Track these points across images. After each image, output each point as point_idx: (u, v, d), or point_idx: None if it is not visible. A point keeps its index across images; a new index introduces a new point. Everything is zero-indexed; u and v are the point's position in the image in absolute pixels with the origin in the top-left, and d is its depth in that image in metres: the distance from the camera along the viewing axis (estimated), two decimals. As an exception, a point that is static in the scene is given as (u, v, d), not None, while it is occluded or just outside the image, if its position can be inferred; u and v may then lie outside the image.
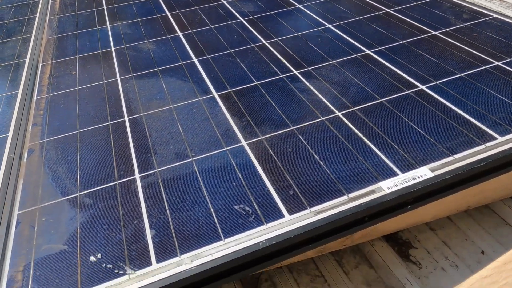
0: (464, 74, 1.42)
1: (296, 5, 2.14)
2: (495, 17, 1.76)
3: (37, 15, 2.38)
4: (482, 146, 1.11)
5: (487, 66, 1.44)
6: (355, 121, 1.26)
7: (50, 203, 1.10)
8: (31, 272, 0.92)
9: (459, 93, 1.32)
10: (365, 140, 1.18)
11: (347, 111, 1.31)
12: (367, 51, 1.63)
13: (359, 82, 1.45)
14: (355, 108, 1.32)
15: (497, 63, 1.45)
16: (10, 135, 1.38)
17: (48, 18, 2.33)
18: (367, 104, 1.33)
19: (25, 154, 1.29)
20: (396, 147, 1.14)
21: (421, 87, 1.38)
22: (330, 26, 1.88)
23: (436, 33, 1.70)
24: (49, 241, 0.99)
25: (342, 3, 2.09)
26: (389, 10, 1.95)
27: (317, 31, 1.84)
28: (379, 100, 1.34)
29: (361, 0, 2.10)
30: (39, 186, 1.16)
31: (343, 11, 2.00)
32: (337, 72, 1.52)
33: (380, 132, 1.20)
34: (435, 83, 1.39)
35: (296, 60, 1.63)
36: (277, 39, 1.82)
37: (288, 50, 1.72)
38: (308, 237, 0.95)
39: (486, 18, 1.76)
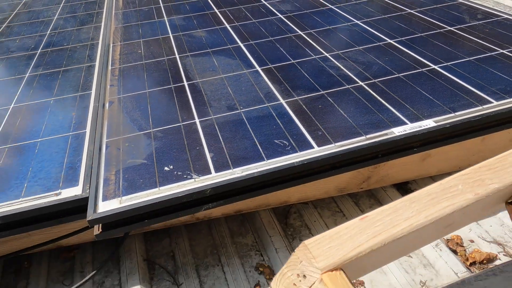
0: (472, 58, 1.66)
1: (328, 6, 2.44)
2: (506, 17, 2.00)
3: (104, 10, 2.78)
4: (479, 107, 1.35)
5: (493, 53, 1.68)
6: (375, 88, 1.53)
7: (130, 135, 1.41)
8: (121, 175, 1.22)
9: (466, 71, 1.57)
10: (382, 101, 1.44)
11: (369, 82, 1.58)
12: (389, 41, 1.90)
13: (380, 62, 1.71)
14: (376, 80, 1.59)
15: (501, 51, 1.69)
16: (93, 91, 1.72)
17: (114, 12, 2.72)
18: (386, 78, 1.59)
19: (107, 104, 1.61)
20: (408, 106, 1.40)
21: (433, 66, 1.63)
22: (358, 22, 2.16)
23: (451, 28, 1.95)
24: (132, 158, 1.29)
25: (370, 5, 2.38)
26: (412, 11, 2.22)
27: (346, 26, 2.13)
28: (397, 75, 1.60)
29: (387, 3, 2.38)
30: (120, 124, 1.47)
31: (370, 11, 2.29)
32: (362, 55, 1.80)
33: (395, 96, 1.46)
34: (445, 64, 1.64)
35: (328, 46, 1.92)
36: (311, 31, 2.11)
37: (321, 38, 2.01)
38: (332, 162, 1.21)
39: (498, 18, 2.00)
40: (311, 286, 0.88)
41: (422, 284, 1.21)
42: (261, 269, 1.27)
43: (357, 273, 0.88)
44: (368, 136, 1.27)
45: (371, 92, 1.51)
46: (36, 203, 1.13)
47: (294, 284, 0.91)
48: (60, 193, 1.17)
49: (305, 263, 0.89)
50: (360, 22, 2.16)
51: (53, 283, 1.30)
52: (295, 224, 1.42)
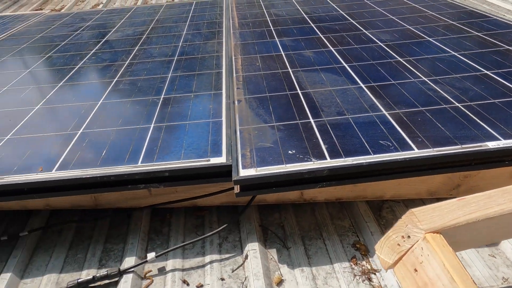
0: None
1: (426, 38, 2.66)
2: None
3: (223, 29, 3.28)
4: None
5: None
6: (471, 110, 1.72)
7: (257, 125, 1.76)
8: (254, 153, 1.56)
9: (562, 103, 1.71)
10: (478, 120, 1.64)
11: (465, 104, 1.78)
12: (486, 71, 2.08)
13: (476, 89, 1.90)
14: (472, 103, 1.78)
15: None
16: (223, 91, 2.13)
17: (232, 31, 3.20)
18: (481, 102, 1.78)
19: (236, 102, 2.00)
20: (502, 126, 1.58)
21: (529, 96, 1.79)
22: (455, 53, 2.36)
23: (550, 65, 2.08)
24: (261, 142, 1.63)
25: (468, 39, 2.56)
26: (509, 47, 2.36)
27: (443, 56, 2.34)
28: (492, 101, 1.78)
29: (484, 39, 2.54)
30: (248, 117, 1.84)
31: (468, 45, 2.47)
32: (459, 82, 2.00)
33: (490, 117, 1.65)
34: (541, 95, 1.79)
35: (426, 72, 2.15)
36: (410, 58, 2.35)
37: (419, 65, 2.24)
38: (430, 163, 1.44)
39: None
40: (414, 244, 1.13)
41: (504, 280, 1.37)
42: (357, 245, 1.52)
43: (453, 243, 1.11)
44: (463, 146, 1.48)
45: (467, 112, 1.71)
46: (195, 164, 1.51)
47: (398, 244, 1.17)
48: (209, 160, 1.54)
49: (410, 226, 1.14)
50: (458, 54, 2.35)
51: (188, 232, 1.66)
52: (388, 217, 1.65)
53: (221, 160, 1.54)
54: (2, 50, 3.19)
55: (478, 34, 2.65)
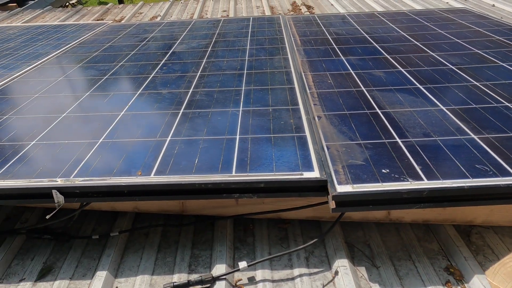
0: None
1: (499, 63, 2.63)
2: None
3: (286, 45, 3.34)
4: None
5: None
6: None
7: (344, 142, 1.78)
8: (347, 169, 1.58)
9: None
10: None
11: (558, 132, 1.74)
12: None
13: None
14: None
15: None
16: (301, 107, 2.16)
17: (295, 48, 3.26)
18: None
19: (316, 118, 2.03)
20: None
21: None
22: (534, 80, 2.32)
23: None
24: (351, 159, 1.65)
25: (544, 66, 2.51)
26: None
27: (522, 82, 2.30)
28: None
29: None
30: (333, 133, 1.86)
31: (545, 72, 2.42)
32: (546, 109, 1.96)
33: None
34: None
35: (506, 97, 2.11)
36: (487, 83, 2.33)
37: (499, 91, 2.21)
38: (534, 190, 1.41)
39: None
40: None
41: None
42: (451, 270, 1.49)
43: None
44: None
45: None
46: (289, 177, 1.54)
47: (516, 272, 1.14)
48: (302, 174, 1.57)
49: (533, 254, 1.11)
50: (537, 80, 2.31)
51: (273, 243, 1.68)
52: (478, 243, 1.62)
53: (314, 174, 1.56)
54: (76, 56, 3.37)
55: (555, 61, 2.60)
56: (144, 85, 2.61)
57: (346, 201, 1.47)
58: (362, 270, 1.52)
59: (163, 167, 1.66)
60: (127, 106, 2.30)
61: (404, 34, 3.48)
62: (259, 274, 1.53)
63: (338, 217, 1.62)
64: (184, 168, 1.65)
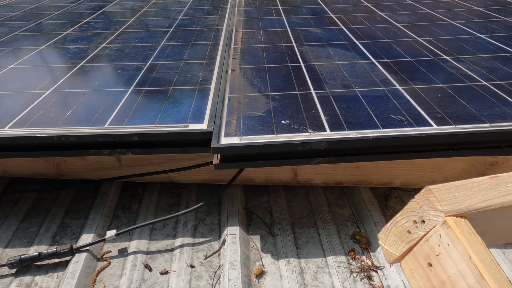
0: None
1: (448, 21, 2.40)
2: None
3: (228, 6, 3.05)
4: None
5: None
6: (502, 89, 1.46)
7: (250, 94, 1.52)
8: (241, 121, 1.32)
9: None
10: (509, 98, 1.38)
11: (493, 82, 1.52)
12: (517, 53, 1.81)
13: (506, 69, 1.64)
14: (502, 82, 1.52)
15: None
16: (217, 61, 1.90)
17: (236, 8, 2.97)
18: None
19: (229, 71, 1.76)
20: (540, 106, 1.32)
21: None
22: (481, 35, 2.09)
23: None
24: (251, 110, 1.39)
25: (495, 23, 2.29)
26: (544, 32, 2.09)
27: (468, 37, 2.08)
28: (526, 81, 1.52)
29: (515, 23, 2.27)
30: (241, 86, 1.60)
31: (495, 28, 2.20)
32: (486, 61, 1.74)
33: (525, 97, 1.39)
34: None
35: (448, 51, 1.89)
36: (430, 38, 2.10)
37: (441, 45, 1.98)
38: (452, 141, 1.19)
39: None
40: (429, 230, 0.87)
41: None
42: (357, 237, 1.27)
43: (482, 233, 0.85)
44: (493, 124, 1.23)
45: (496, 90, 1.45)
46: (169, 129, 1.28)
47: (409, 231, 0.91)
48: (188, 126, 1.31)
49: (425, 208, 0.89)
50: (484, 35, 2.09)
51: (160, 210, 1.43)
52: (395, 207, 1.40)
53: (201, 126, 1.30)
54: (-8, 16, 3.01)
55: (506, 19, 2.38)
56: (51, 41, 2.30)
57: (231, 155, 1.22)
58: (256, 239, 1.29)
59: (26, 119, 1.38)
60: (20, 60, 1.99)
61: (358, -3, 3.23)
62: (133, 245, 1.28)
63: (233, 177, 1.37)
64: (50, 121, 1.37)
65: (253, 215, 1.39)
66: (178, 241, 1.28)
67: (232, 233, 1.26)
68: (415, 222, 0.88)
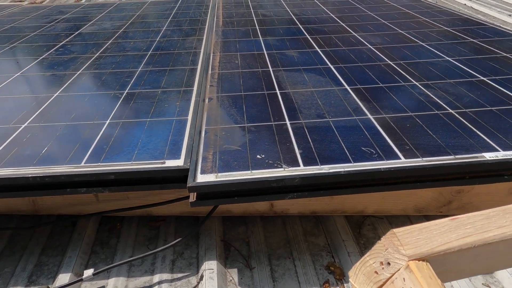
0: None
1: (419, 42, 2.49)
2: None
3: (206, 27, 3.08)
4: None
5: None
6: (466, 117, 1.53)
7: (226, 126, 1.55)
8: (217, 156, 1.35)
9: None
10: (473, 128, 1.44)
11: (459, 110, 1.59)
12: (482, 78, 1.90)
13: (471, 95, 1.72)
14: (467, 110, 1.59)
15: None
16: (194, 88, 1.92)
17: (214, 29, 3.01)
18: (477, 109, 1.59)
19: (207, 100, 1.79)
20: (500, 135, 1.39)
21: (530, 105, 1.61)
22: (449, 59, 2.18)
23: (551, 74, 1.91)
24: (228, 144, 1.42)
25: (463, 46, 2.39)
26: (507, 55, 2.20)
27: (437, 61, 2.16)
28: (489, 108, 1.60)
29: (481, 46, 2.37)
30: (218, 116, 1.63)
31: (462, 51, 2.30)
32: (452, 87, 1.81)
33: (487, 126, 1.46)
34: (544, 104, 1.61)
35: (417, 76, 1.96)
36: (401, 62, 2.17)
37: (410, 69, 2.06)
38: (419, 174, 1.24)
39: None
40: (394, 273, 0.91)
41: (500, 315, 1.16)
42: (332, 268, 1.30)
43: (442, 272, 0.90)
44: (457, 156, 1.29)
45: (462, 119, 1.52)
46: (146, 167, 1.29)
47: (376, 272, 0.95)
48: (164, 162, 1.33)
49: (390, 250, 0.93)
50: (451, 59, 2.18)
51: (139, 245, 1.44)
52: (369, 235, 1.44)
53: (178, 163, 1.32)
54: (-34, 38, 2.96)
55: (474, 40, 2.49)
56: (27, 67, 2.28)
57: (207, 193, 1.24)
58: (234, 273, 1.31)
59: (1, 157, 1.37)
60: (-6, 90, 1.97)
61: (333, 15, 3.31)
62: (111, 283, 1.28)
63: (210, 211, 1.40)
64: (26, 159, 1.36)
65: (231, 247, 1.41)
66: (157, 277, 1.30)
67: (210, 267, 1.28)
68: (381, 263, 0.93)
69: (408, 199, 1.44)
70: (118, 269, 1.32)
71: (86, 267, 1.35)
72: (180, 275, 1.30)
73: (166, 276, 1.30)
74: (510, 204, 0.97)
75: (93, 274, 1.25)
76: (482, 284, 1.25)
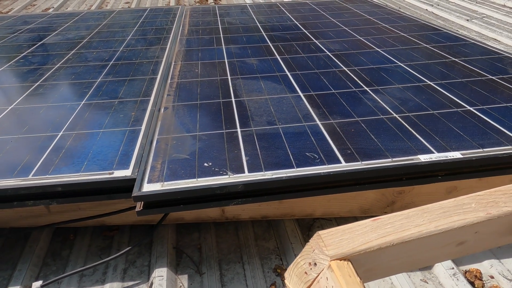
0: (510, 104, 1.71)
1: (375, 48, 2.58)
2: (552, 72, 2.03)
3: (171, 36, 3.11)
4: (510, 147, 1.39)
5: (531, 102, 1.72)
6: (408, 120, 1.61)
7: (178, 135, 1.58)
8: (166, 165, 1.38)
9: (500, 115, 1.62)
10: (413, 131, 1.52)
11: (402, 114, 1.67)
12: (429, 82, 1.99)
13: (416, 99, 1.80)
14: (410, 113, 1.67)
15: (541, 101, 1.72)
16: (152, 98, 1.95)
17: (179, 38, 3.04)
18: (420, 113, 1.67)
19: (162, 109, 1.82)
20: (437, 138, 1.46)
21: (469, 108, 1.69)
22: (401, 64, 2.27)
23: (493, 77, 2.01)
24: (177, 153, 1.45)
25: (416, 51, 2.49)
26: (456, 59, 2.30)
27: (389, 66, 2.25)
28: (431, 112, 1.68)
29: (432, 50, 2.48)
30: (171, 126, 1.66)
31: (415, 56, 2.40)
32: (400, 92, 1.90)
33: (426, 129, 1.53)
34: (481, 107, 1.70)
35: (368, 82, 2.04)
36: (355, 68, 2.25)
37: (363, 75, 2.14)
38: (357, 177, 1.30)
39: (543, 73, 2.03)
40: (319, 273, 0.97)
41: (434, 309, 1.23)
42: (278, 270, 1.35)
43: (367, 271, 0.96)
44: (394, 159, 1.35)
45: (403, 123, 1.59)
46: (93, 178, 1.31)
47: (306, 272, 1.00)
48: (113, 173, 1.35)
49: (316, 251, 0.98)
50: (403, 64, 2.27)
51: (91, 255, 1.45)
52: (317, 237, 1.49)
53: (126, 173, 1.35)
54: None
55: (427, 46, 2.59)
56: (-16, 80, 2.26)
57: (153, 202, 1.27)
58: (184, 279, 1.34)
59: None
60: None
61: (297, 23, 3.39)
62: (61, 294, 1.29)
63: (160, 219, 1.43)
64: (-27, 174, 1.37)
65: (183, 254, 1.44)
66: (107, 286, 1.31)
67: (160, 275, 1.31)
68: (310, 264, 0.97)
69: (353, 201, 1.50)
70: (69, 280, 1.34)
71: (37, 280, 1.35)
72: (131, 283, 1.32)
73: (116, 285, 1.32)
74: (431, 204, 1.04)
75: (41, 286, 1.26)
76: (421, 280, 1.31)
